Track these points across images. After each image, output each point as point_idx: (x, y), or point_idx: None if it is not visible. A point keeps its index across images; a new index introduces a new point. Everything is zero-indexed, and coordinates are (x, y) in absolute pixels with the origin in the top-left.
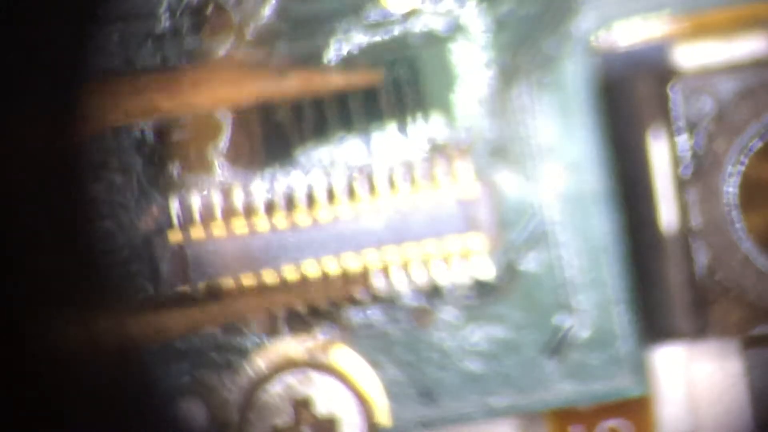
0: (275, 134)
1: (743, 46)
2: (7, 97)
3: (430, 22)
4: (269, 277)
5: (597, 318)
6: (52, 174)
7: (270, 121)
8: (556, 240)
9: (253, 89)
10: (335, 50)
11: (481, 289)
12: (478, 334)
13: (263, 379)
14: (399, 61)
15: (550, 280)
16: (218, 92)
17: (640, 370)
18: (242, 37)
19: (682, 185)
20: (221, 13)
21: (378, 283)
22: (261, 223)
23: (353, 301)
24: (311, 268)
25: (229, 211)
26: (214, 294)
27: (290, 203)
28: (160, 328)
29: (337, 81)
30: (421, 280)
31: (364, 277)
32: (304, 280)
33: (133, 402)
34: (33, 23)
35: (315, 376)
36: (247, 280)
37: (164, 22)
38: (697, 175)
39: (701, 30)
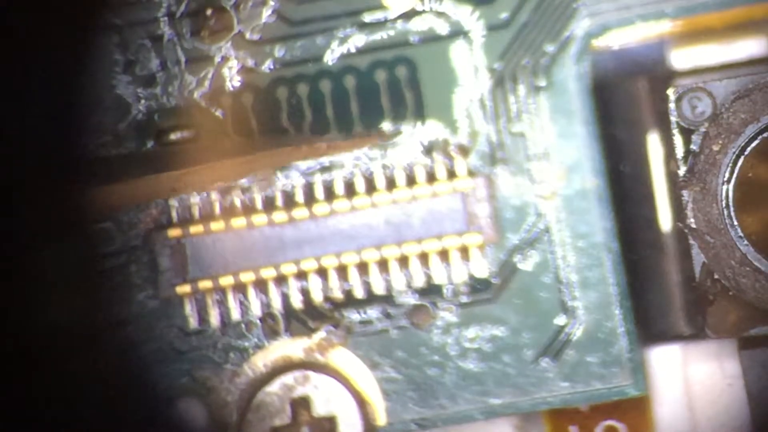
0: (275, 134)
1: (740, 48)
2: (7, 99)
3: (429, 22)
4: (268, 273)
5: (595, 318)
6: (53, 174)
7: (270, 122)
8: (554, 240)
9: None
10: (335, 51)
11: (480, 288)
12: (477, 334)
13: (262, 380)
14: (399, 61)
15: (548, 280)
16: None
17: (638, 370)
18: (242, 38)
19: (679, 186)
20: (221, 14)
21: (376, 282)
22: (260, 220)
23: (352, 302)
24: (310, 265)
25: (228, 209)
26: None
27: (289, 201)
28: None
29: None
30: (420, 279)
31: (362, 275)
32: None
33: (133, 402)
34: (33, 26)
35: (313, 376)
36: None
37: (164, 25)
38: (694, 175)
39: (698, 32)
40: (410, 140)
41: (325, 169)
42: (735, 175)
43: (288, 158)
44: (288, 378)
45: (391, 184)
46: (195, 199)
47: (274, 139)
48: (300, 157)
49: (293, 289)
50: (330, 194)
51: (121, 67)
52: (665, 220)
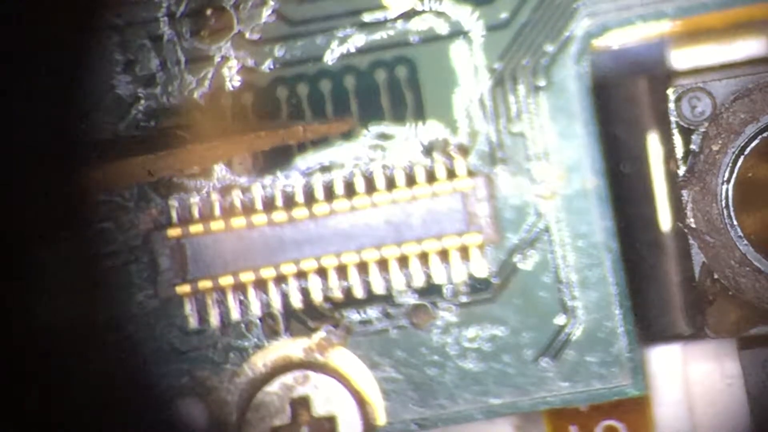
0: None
1: (740, 48)
2: (7, 99)
3: (429, 22)
4: (268, 273)
5: (595, 318)
6: (53, 173)
7: (269, 122)
8: (554, 240)
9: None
10: (335, 51)
11: (480, 288)
12: (477, 334)
13: (262, 380)
14: (399, 61)
15: (548, 280)
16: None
17: (638, 370)
18: (242, 38)
19: (679, 186)
20: (221, 14)
21: (376, 282)
22: (260, 220)
23: (351, 301)
24: (310, 265)
25: (228, 209)
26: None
27: (289, 201)
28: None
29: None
30: (420, 279)
31: (362, 275)
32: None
33: (133, 402)
34: (34, 26)
35: (313, 376)
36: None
37: (164, 25)
38: (694, 175)
39: (698, 32)
40: (410, 140)
41: (325, 169)
42: (735, 175)
43: (265, 142)
44: (288, 378)
45: (391, 184)
46: (195, 199)
47: (252, 124)
48: (277, 141)
49: (293, 289)
50: (330, 194)
51: (121, 67)
52: (665, 220)
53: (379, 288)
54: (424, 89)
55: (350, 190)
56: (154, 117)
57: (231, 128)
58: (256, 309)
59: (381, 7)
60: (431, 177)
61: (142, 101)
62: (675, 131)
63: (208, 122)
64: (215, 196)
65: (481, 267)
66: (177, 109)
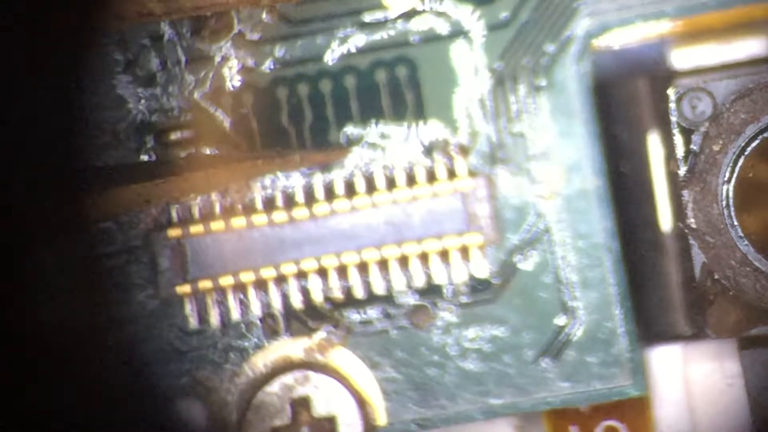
0: (275, 134)
1: (740, 48)
2: (7, 99)
3: (429, 22)
4: (268, 273)
5: (595, 318)
6: (53, 173)
7: (270, 122)
8: (554, 240)
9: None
10: (335, 51)
11: (480, 288)
12: (477, 334)
13: (262, 380)
14: (399, 61)
15: (548, 280)
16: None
17: (638, 370)
18: (242, 38)
19: (679, 186)
20: (221, 14)
21: (376, 282)
22: (260, 220)
23: (352, 302)
24: (310, 265)
25: (228, 209)
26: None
27: (289, 201)
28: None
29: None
30: (420, 279)
31: (362, 275)
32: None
33: (133, 402)
34: (34, 26)
35: (313, 376)
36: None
37: (164, 25)
38: (694, 175)
39: (699, 32)
40: (410, 140)
41: (325, 169)
42: (735, 175)
43: (262, 170)
44: (288, 378)
45: (391, 184)
46: (195, 199)
47: (249, 152)
48: (274, 169)
49: (293, 289)
50: (330, 194)
51: (121, 67)
52: (665, 220)
53: (379, 288)
54: (425, 89)
55: (350, 190)
56: (154, 117)
57: (228, 156)
58: (256, 309)
59: (381, 7)
60: (431, 177)
61: (142, 101)
62: (675, 131)
63: (205, 151)
64: (215, 196)
65: (482, 267)
66: (177, 108)
